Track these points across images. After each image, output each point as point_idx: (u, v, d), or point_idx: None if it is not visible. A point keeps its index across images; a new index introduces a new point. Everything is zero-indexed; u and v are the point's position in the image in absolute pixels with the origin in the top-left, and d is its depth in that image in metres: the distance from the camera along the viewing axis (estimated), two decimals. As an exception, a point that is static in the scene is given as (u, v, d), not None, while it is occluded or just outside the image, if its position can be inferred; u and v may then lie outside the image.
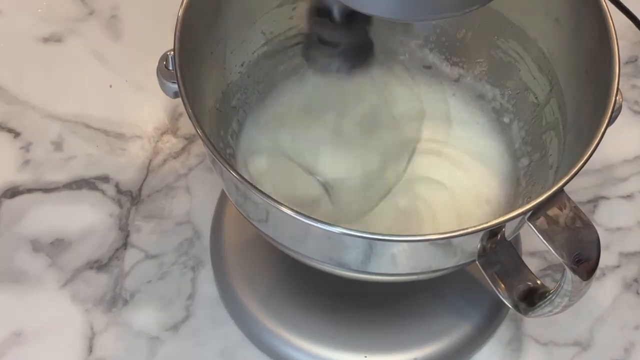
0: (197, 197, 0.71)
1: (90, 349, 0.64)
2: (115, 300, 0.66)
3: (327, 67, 0.54)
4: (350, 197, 0.62)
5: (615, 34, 0.53)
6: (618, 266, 0.69)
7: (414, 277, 0.54)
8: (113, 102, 0.76)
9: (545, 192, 0.48)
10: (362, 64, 0.54)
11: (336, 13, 0.51)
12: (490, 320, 0.65)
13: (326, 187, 0.63)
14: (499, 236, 0.52)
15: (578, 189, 0.72)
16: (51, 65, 0.78)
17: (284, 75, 0.67)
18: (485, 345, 0.65)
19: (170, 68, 0.53)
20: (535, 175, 0.61)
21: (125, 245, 0.69)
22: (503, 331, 0.66)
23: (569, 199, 0.49)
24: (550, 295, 0.52)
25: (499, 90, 0.65)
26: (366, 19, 0.52)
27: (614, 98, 0.51)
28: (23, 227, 0.69)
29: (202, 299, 0.67)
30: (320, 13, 0.51)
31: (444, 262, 0.53)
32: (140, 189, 0.71)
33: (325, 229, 0.48)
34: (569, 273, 0.49)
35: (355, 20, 0.52)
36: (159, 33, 0.70)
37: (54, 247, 0.68)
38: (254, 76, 0.66)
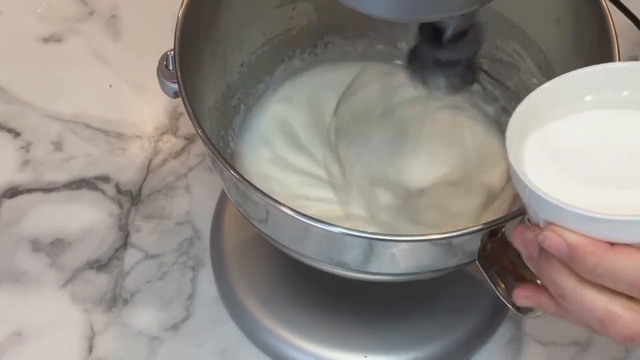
0: (197, 197, 0.71)
1: (90, 349, 0.64)
2: (115, 300, 0.66)
3: (429, 83, 0.53)
4: (358, 194, 0.62)
5: (616, 34, 0.53)
6: (618, 266, 0.69)
7: (414, 277, 0.54)
8: (113, 102, 0.76)
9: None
10: (464, 86, 0.53)
11: (448, 33, 0.50)
12: (490, 320, 0.65)
13: (334, 185, 0.63)
14: (499, 236, 0.52)
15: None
16: (51, 65, 0.78)
17: (284, 75, 0.67)
18: (485, 345, 0.65)
19: (170, 68, 0.53)
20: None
21: (125, 245, 0.69)
22: (503, 331, 0.66)
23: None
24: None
25: (499, 90, 0.65)
26: (477, 41, 0.51)
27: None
28: (23, 227, 0.69)
29: (202, 299, 0.67)
30: (432, 32, 0.50)
31: (444, 262, 0.53)
32: (140, 189, 0.71)
33: (325, 229, 0.48)
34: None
35: (464, 40, 0.51)
36: (159, 33, 0.70)
37: (54, 247, 0.68)
38: (254, 76, 0.66)
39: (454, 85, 0.53)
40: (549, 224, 0.40)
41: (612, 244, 0.39)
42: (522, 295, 0.45)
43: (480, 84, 0.66)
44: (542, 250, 0.41)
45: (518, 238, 0.42)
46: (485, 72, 0.57)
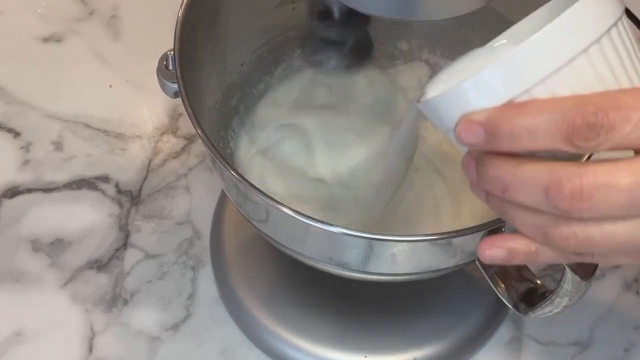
0: (197, 197, 0.71)
1: (90, 349, 0.64)
2: (115, 300, 0.66)
3: (324, 64, 0.53)
4: (360, 191, 0.62)
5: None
6: (618, 266, 0.69)
7: (414, 277, 0.54)
8: (113, 102, 0.76)
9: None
10: (358, 63, 0.54)
11: (337, 12, 0.50)
12: (490, 320, 0.65)
13: (333, 183, 0.63)
14: (498, 236, 0.52)
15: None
16: (51, 65, 0.78)
17: (283, 75, 0.67)
18: (485, 345, 0.65)
19: (170, 68, 0.53)
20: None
21: (125, 245, 0.69)
22: (503, 331, 0.66)
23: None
24: (550, 295, 0.52)
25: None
26: (366, 19, 0.52)
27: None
28: (23, 227, 0.69)
29: (202, 299, 0.67)
30: (320, 11, 0.51)
31: (444, 262, 0.53)
32: (140, 189, 0.71)
33: (325, 229, 0.48)
34: (569, 273, 0.49)
35: (355, 19, 0.51)
36: (159, 33, 0.70)
37: (54, 247, 0.68)
38: (254, 76, 0.66)
39: (348, 63, 0.53)
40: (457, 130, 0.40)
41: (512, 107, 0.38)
42: (487, 247, 0.42)
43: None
44: (472, 163, 0.41)
45: (467, 168, 0.42)
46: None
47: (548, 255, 0.42)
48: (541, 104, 0.38)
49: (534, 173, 0.38)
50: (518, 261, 0.42)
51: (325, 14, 0.50)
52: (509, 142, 0.38)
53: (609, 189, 0.37)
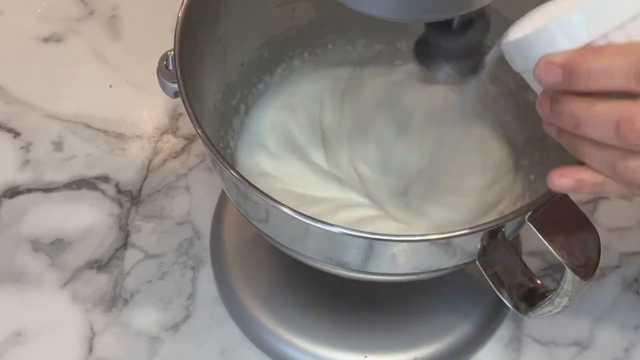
0: (197, 197, 0.71)
1: (90, 349, 0.64)
2: (115, 300, 0.66)
3: (438, 71, 0.53)
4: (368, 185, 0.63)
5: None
6: (618, 266, 0.69)
7: (414, 277, 0.54)
8: (113, 102, 0.76)
9: (545, 192, 0.48)
10: (470, 73, 0.54)
11: (456, 21, 0.50)
12: (490, 320, 0.65)
13: (342, 181, 0.63)
14: (499, 236, 0.52)
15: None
16: (51, 65, 0.78)
17: (284, 75, 0.67)
18: (485, 345, 0.65)
19: (171, 68, 0.53)
20: (536, 175, 0.62)
21: (125, 245, 0.69)
22: (503, 331, 0.66)
23: (569, 198, 0.49)
24: (550, 295, 0.52)
25: (499, 89, 0.65)
26: (485, 28, 0.52)
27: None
28: (23, 227, 0.69)
29: (202, 299, 0.67)
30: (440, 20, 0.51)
31: (444, 262, 0.53)
32: (140, 189, 0.71)
33: (325, 229, 0.48)
34: (569, 273, 0.49)
35: (472, 28, 0.51)
36: (159, 33, 0.70)
37: (54, 247, 0.68)
38: (254, 76, 0.66)
39: (461, 73, 0.53)
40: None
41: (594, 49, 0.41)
42: (557, 176, 0.44)
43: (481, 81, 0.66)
44: (546, 102, 0.43)
45: (543, 106, 0.44)
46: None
47: (614, 188, 0.44)
48: (618, 47, 0.40)
49: (607, 110, 0.41)
50: (586, 191, 0.44)
51: (444, 23, 0.50)
52: (585, 82, 0.41)
53: None
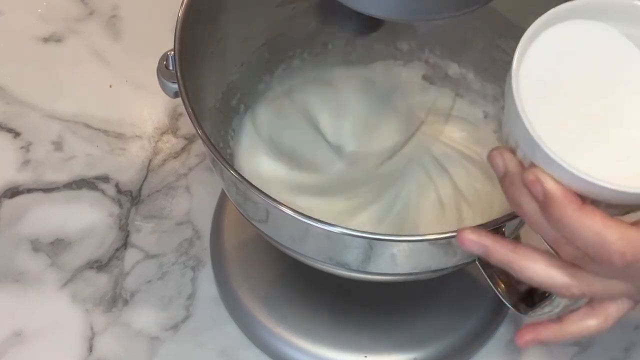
0: (197, 197, 0.71)
1: (90, 349, 0.64)
2: (115, 300, 0.66)
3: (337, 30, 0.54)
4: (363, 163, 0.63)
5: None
6: (618, 266, 0.69)
7: (414, 277, 0.54)
8: (113, 102, 0.76)
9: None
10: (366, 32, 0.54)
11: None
12: (490, 320, 0.65)
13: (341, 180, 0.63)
14: (499, 236, 0.52)
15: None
16: (51, 65, 0.78)
17: (284, 75, 0.67)
18: (485, 345, 0.65)
19: (171, 68, 0.53)
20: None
21: (125, 245, 0.69)
22: (503, 331, 0.66)
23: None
24: (550, 295, 0.52)
25: (500, 89, 0.65)
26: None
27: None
28: (23, 227, 0.69)
29: (202, 299, 0.67)
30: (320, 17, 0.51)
31: (444, 262, 0.53)
32: (140, 189, 0.71)
33: (325, 229, 0.48)
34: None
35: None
36: (159, 33, 0.70)
37: (54, 247, 0.68)
38: (254, 76, 0.66)
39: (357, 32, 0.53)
40: (533, 165, 0.42)
41: (584, 199, 0.41)
42: (467, 238, 0.45)
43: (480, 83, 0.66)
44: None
45: (496, 159, 0.43)
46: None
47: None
48: (597, 220, 0.40)
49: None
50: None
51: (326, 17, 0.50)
52: (551, 220, 0.41)
53: None
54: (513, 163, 0.43)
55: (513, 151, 0.43)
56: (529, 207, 0.42)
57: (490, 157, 0.44)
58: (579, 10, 0.44)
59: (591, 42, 0.44)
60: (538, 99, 0.43)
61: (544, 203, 0.41)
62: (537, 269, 0.44)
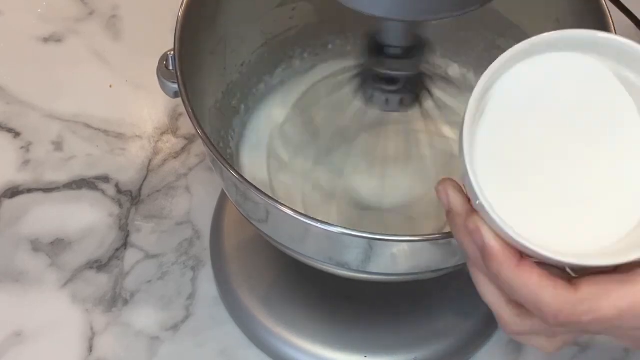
0: (197, 197, 0.71)
1: (90, 349, 0.64)
2: (115, 300, 0.66)
3: (382, 103, 0.53)
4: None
5: (616, 34, 0.53)
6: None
7: (414, 277, 0.54)
8: (113, 102, 0.76)
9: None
10: (412, 101, 0.54)
11: (390, 50, 0.50)
12: (490, 320, 0.65)
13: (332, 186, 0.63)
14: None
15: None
16: (51, 65, 0.78)
17: (284, 75, 0.67)
18: (485, 345, 0.65)
19: (170, 68, 0.53)
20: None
21: (125, 245, 0.69)
22: (503, 331, 0.66)
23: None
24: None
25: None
26: (419, 58, 0.52)
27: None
28: (23, 227, 0.69)
29: (202, 299, 0.67)
30: (376, 49, 0.51)
31: (444, 262, 0.53)
32: (140, 189, 0.71)
33: (325, 229, 0.48)
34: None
35: (407, 57, 0.51)
36: (159, 33, 0.70)
37: (54, 247, 0.68)
38: (254, 76, 0.66)
39: (397, 104, 0.53)
40: (476, 211, 0.41)
41: (523, 255, 0.41)
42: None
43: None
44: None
45: (441, 195, 0.43)
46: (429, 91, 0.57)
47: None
48: (534, 281, 0.40)
49: (485, 292, 0.44)
50: None
51: (379, 51, 0.50)
52: (490, 273, 0.42)
53: None
54: (458, 202, 0.43)
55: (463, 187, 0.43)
56: (470, 249, 0.42)
57: (436, 191, 0.43)
58: (536, 48, 0.42)
59: (557, 80, 0.43)
60: (493, 146, 0.42)
61: (483, 254, 0.41)
62: (488, 292, 0.44)
